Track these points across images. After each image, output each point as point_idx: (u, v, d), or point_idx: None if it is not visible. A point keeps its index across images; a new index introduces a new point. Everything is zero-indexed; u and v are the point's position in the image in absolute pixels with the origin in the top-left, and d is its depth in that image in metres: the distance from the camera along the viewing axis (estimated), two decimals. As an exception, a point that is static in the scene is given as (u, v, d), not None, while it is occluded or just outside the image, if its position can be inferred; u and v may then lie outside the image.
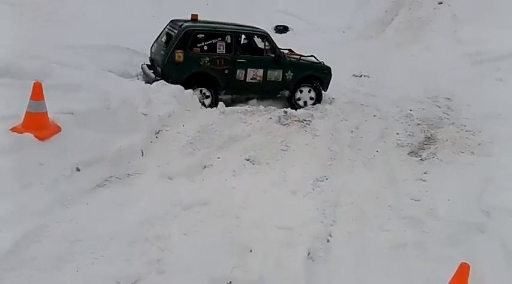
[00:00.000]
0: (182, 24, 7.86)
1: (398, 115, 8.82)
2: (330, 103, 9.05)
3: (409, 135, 7.73)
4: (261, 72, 8.29)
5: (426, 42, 14.23)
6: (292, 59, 8.75)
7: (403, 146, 7.21)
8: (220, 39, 8.01)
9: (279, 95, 8.72)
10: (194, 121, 6.43)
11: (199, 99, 7.68)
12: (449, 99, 10.32)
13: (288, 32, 14.70)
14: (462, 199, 5.13)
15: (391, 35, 14.93)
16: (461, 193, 5.29)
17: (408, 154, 6.95)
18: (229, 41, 8.08)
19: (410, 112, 9.05)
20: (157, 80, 7.58)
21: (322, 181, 5.32)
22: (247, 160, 5.71)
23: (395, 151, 6.96)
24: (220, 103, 7.81)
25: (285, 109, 8.04)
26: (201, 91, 7.80)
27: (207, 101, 7.87)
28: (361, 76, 11.71)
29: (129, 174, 4.73)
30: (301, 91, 8.84)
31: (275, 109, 7.95)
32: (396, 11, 15.72)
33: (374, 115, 8.55)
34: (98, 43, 9.29)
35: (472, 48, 12.76)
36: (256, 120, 7.21)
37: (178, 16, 8.62)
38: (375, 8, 15.61)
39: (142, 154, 5.16)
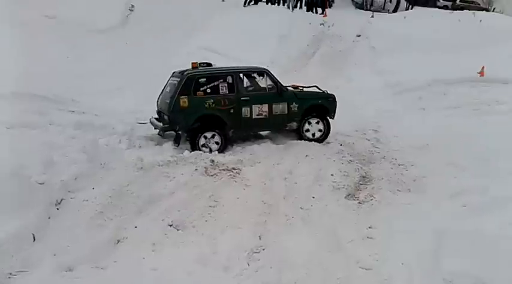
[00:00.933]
0: (184, 72, 8.15)
1: (329, 153, 8.48)
2: (259, 145, 8.57)
3: (344, 175, 7.34)
4: (266, 107, 8.49)
5: (348, 74, 14.39)
6: (295, 91, 8.96)
7: (339, 189, 6.79)
8: (222, 80, 8.24)
9: (287, 128, 8.90)
10: (106, 182, 5.58)
11: (206, 145, 7.99)
12: (376, 131, 10.24)
13: (210, 69, 14.30)
14: (417, 262, 4.62)
15: (314, 69, 14.95)
16: (413, 252, 4.79)
17: (345, 197, 6.54)
18: (230, 81, 8.29)
19: (341, 147, 8.78)
20: (166, 127, 8.03)
21: (259, 252, 4.66)
22: (170, 225, 4.96)
23: (332, 196, 6.52)
24: (138, 157, 7.02)
25: (212, 157, 7.41)
26: (206, 137, 8.02)
27: (216, 139, 8.09)
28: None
29: (11, 275, 3.67)
30: (309, 123, 9.05)
31: (202, 159, 7.28)
32: (317, 44, 15.87)
33: (306, 155, 8.13)
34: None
35: (392, 79, 12.98)
36: (180, 172, 6.48)
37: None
38: (297, 43, 15.63)
39: (34, 240, 4.19)
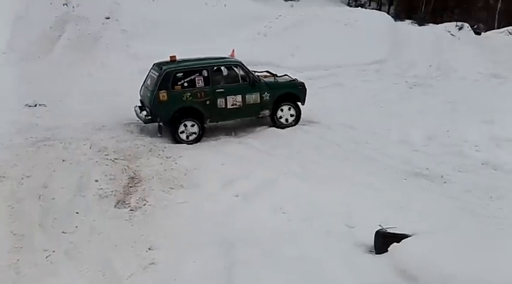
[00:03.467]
0: (162, 67, 8.64)
1: (91, 153, 7.55)
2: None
3: (110, 179, 6.58)
4: (239, 97, 9.01)
5: (101, 59, 13.20)
6: (267, 81, 9.43)
7: (106, 196, 6.03)
8: (198, 74, 8.76)
9: (260, 116, 9.35)
10: None
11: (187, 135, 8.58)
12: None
13: None
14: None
15: (62, 54, 13.19)
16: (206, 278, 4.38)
17: (115, 206, 5.84)
18: (206, 74, 8.81)
19: (105, 147, 7.90)
20: (148, 119, 8.61)
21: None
22: None
23: (100, 206, 5.73)
24: None
25: None
26: (185, 125, 8.59)
27: (194, 128, 8.66)
28: (35, 105, 9.92)
29: None
30: (282, 110, 9.48)
31: None
32: (62, 26, 14.04)
33: (63, 160, 7.01)
34: None
35: (148, 65, 12.46)
36: None
37: None
38: (37, 25, 13.51)
39: None
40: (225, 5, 16.42)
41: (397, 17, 23.43)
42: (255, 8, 16.53)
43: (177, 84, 8.60)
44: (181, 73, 8.68)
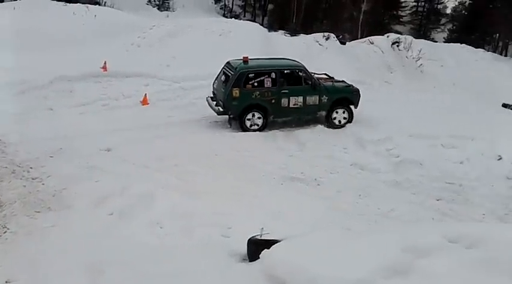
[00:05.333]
0: (237, 67, 9.95)
1: None
2: None
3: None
4: (301, 98, 10.23)
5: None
6: (326, 85, 10.53)
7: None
8: (267, 76, 10.06)
9: (317, 115, 10.57)
10: None
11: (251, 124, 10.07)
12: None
13: None
14: None
15: None
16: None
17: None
18: (274, 76, 10.09)
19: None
20: (222, 112, 10.10)
21: None
22: None
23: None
24: None
25: None
26: (253, 115, 10.06)
27: (260, 121, 10.13)
28: None
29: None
30: (336, 112, 10.56)
31: None
32: None
33: None
34: None
35: (11, 77, 11.40)
36: None
37: None
38: None
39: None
40: (95, 16, 15.73)
41: (271, 27, 24.49)
42: (127, 18, 16.12)
43: (248, 83, 9.96)
44: (253, 74, 10.02)
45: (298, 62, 10.77)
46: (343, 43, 19.42)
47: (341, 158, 9.13)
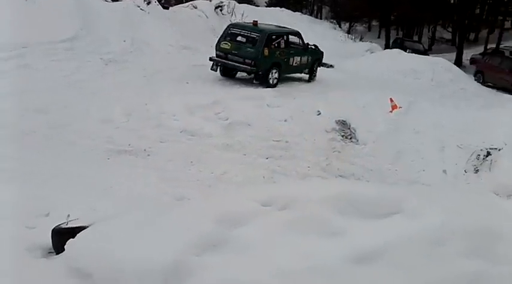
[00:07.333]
0: (263, 29, 11.76)
1: None
2: None
3: None
4: (299, 58, 12.53)
5: None
6: (310, 48, 13.14)
7: None
8: (282, 38, 12.14)
9: (303, 72, 13.12)
10: None
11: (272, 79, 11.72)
12: None
13: None
14: None
15: None
16: None
17: None
18: (285, 39, 12.31)
19: None
20: (253, 70, 11.40)
21: None
22: None
23: None
24: None
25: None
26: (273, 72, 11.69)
27: (277, 76, 11.84)
28: None
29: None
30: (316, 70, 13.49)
31: None
32: None
33: None
34: None
35: None
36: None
37: None
38: None
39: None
40: None
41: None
42: None
43: (272, 44, 11.65)
44: (275, 36, 11.89)
45: (294, 29, 13.50)
46: (166, 8, 18.81)
47: (170, 126, 8.88)
